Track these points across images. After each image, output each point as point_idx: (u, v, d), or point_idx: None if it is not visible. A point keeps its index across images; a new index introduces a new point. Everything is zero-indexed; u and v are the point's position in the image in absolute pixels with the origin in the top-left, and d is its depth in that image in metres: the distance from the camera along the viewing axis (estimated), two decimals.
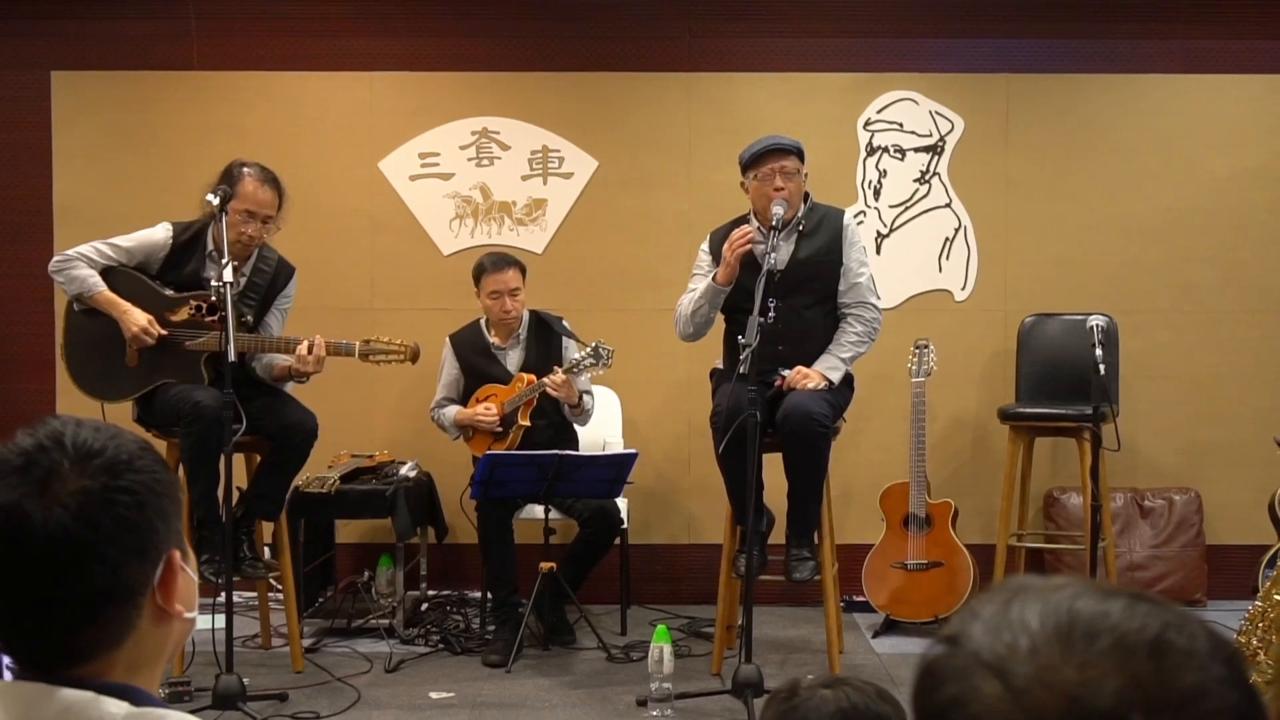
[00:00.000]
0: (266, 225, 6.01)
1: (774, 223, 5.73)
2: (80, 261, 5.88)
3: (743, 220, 6.08)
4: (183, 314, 5.93)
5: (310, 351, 5.92)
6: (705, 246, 6.22)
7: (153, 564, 1.65)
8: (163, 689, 5.60)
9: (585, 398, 6.77)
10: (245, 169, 5.95)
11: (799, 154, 5.99)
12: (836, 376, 5.93)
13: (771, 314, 5.53)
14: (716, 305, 6.05)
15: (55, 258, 5.98)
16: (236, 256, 5.90)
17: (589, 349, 6.46)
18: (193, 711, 5.19)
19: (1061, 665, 1.06)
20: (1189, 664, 1.07)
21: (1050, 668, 1.06)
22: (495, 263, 6.76)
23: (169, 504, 1.68)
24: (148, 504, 1.64)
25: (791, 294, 5.86)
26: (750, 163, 5.99)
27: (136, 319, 5.83)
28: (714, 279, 5.94)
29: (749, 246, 5.82)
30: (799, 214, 6.00)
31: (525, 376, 6.67)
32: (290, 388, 6.28)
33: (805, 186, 6.08)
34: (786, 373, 5.88)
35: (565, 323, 6.89)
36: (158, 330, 5.83)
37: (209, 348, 5.85)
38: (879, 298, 6.16)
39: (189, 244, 6.00)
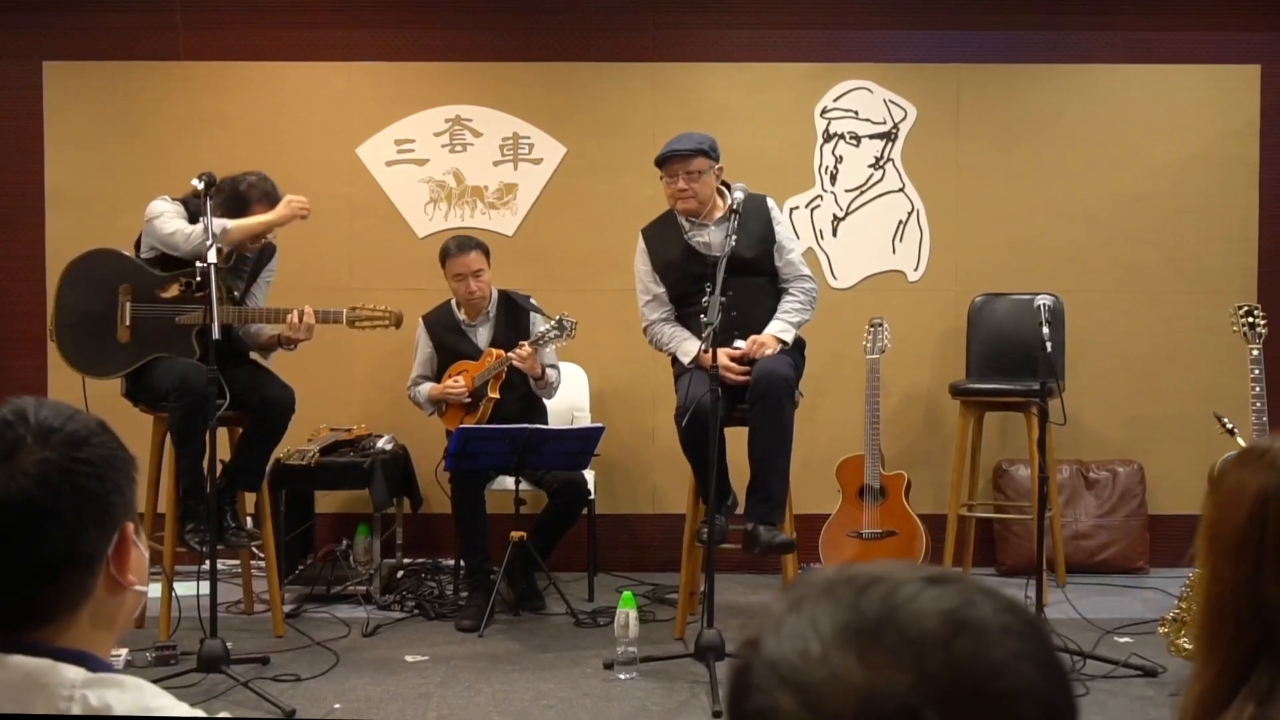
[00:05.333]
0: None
1: (729, 211, 5.99)
2: (181, 220, 5.99)
3: (670, 215, 6.32)
4: (172, 290, 6.04)
5: (301, 319, 6.08)
6: (641, 250, 6.44)
7: (109, 534, 1.71)
8: (149, 653, 5.78)
9: (550, 371, 6.91)
10: (252, 188, 6.14)
11: (705, 153, 6.18)
12: (789, 336, 6.16)
13: (718, 293, 5.76)
14: None
15: (168, 230, 5.96)
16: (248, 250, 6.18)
17: (554, 321, 6.61)
18: (178, 675, 5.42)
19: (851, 668, 1.03)
20: (979, 648, 1.04)
21: (839, 673, 1.03)
22: (459, 246, 6.89)
23: (125, 479, 1.73)
24: (106, 476, 1.69)
25: (739, 273, 6.04)
26: (659, 164, 6.23)
27: (280, 211, 6.04)
28: (689, 361, 6.17)
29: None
30: (736, 204, 6.09)
31: (494, 351, 6.79)
32: (272, 361, 6.43)
33: (722, 177, 6.31)
34: (741, 343, 6.07)
35: (533, 300, 7.03)
36: (301, 201, 6.03)
37: (199, 322, 5.93)
38: (808, 268, 6.41)
39: (189, 220, 6.08)
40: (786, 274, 6.32)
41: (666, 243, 6.34)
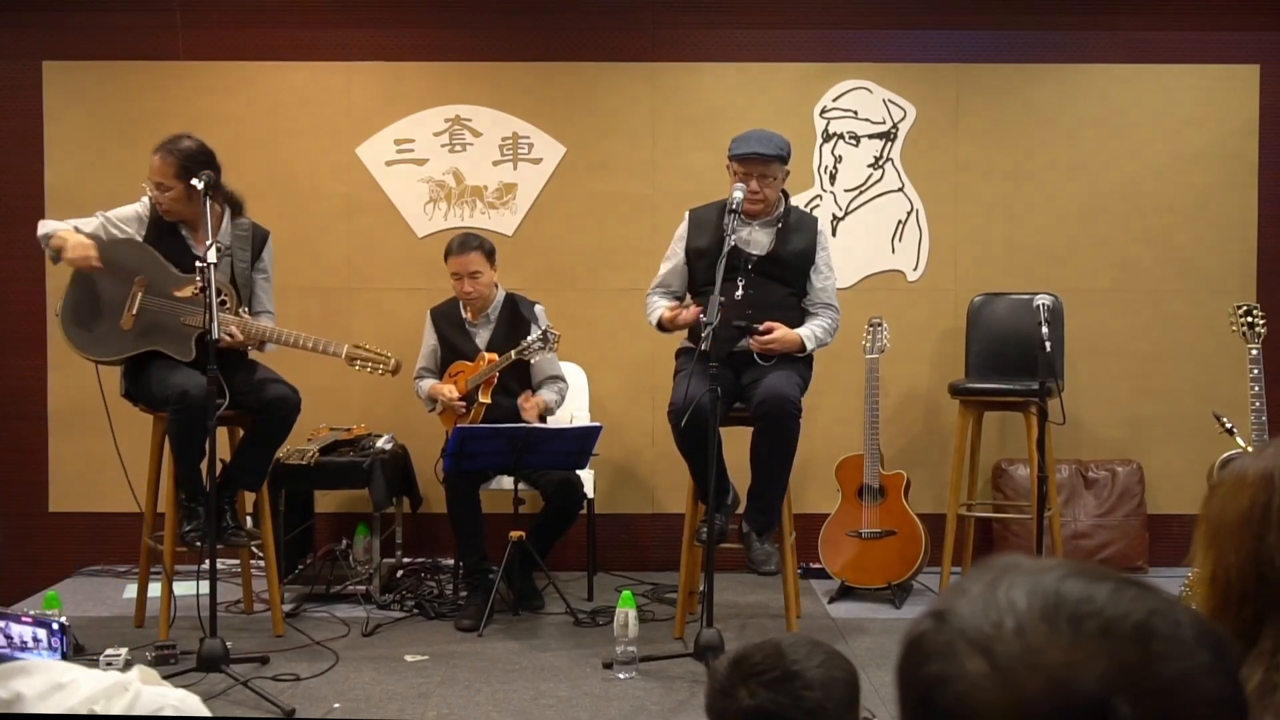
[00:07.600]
0: (161, 190, 6.12)
1: (733, 206, 5.96)
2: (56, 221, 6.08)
3: (724, 204, 6.12)
4: (186, 291, 6.02)
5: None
6: (683, 228, 6.40)
7: None
8: (148, 652, 5.78)
9: (548, 397, 6.91)
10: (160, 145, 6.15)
11: (783, 159, 6.17)
12: (810, 345, 6.15)
13: (739, 293, 5.91)
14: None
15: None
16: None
17: (538, 333, 6.57)
18: (178, 674, 5.41)
19: (1047, 647, 1.05)
20: (1174, 651, 1.06)
21: (1036, 649, 1.05)
22: (460, 244, 6.89)
23: None
24: None
25: (767, 276, 6.13)
26: (735, 158, 6.15)
27: (75, 247, 5.99)
28: (670, 319, 6.20)
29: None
30: (780, 210, 6.25)
31: (487, 355, 6.79)
32: (271, 358, 6.40)
33: (784, 185, 6.30)
34: (760, 326, 6.03)
35: (538, 309, 6.94)
36: (95, 261, 5.95)
37: (203, 326, 5.84)
38: (838, 301, 6.37)
39: (167, 221, 6.16)
40: (815, 298, 6.31)
41: (707, 229, 6.28)
